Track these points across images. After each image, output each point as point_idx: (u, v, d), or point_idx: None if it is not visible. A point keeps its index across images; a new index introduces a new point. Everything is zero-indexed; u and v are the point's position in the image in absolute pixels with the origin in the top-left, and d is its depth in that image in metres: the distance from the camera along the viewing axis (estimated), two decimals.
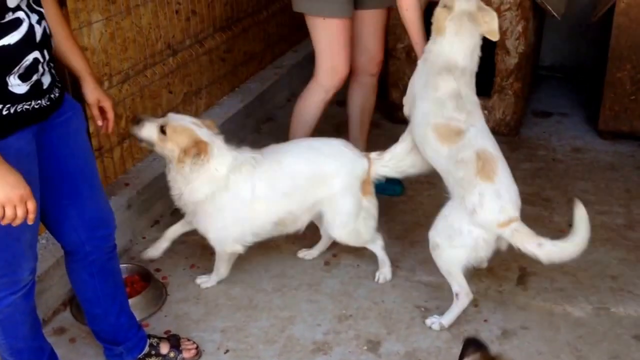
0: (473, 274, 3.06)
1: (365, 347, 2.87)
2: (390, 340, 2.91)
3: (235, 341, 2.90)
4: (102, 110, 2.45)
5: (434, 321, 2.99)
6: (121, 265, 3.13)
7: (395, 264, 3.36)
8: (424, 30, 3.25)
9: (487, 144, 2.88)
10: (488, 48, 4.45)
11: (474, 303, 3.10)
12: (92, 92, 2.41)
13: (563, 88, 5.40)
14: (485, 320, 3.03)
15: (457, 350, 2.79)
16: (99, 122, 2.46)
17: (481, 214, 2.75)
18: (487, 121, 4.52)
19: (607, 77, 4.43)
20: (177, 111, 4.17)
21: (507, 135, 4.61)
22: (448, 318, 2.98)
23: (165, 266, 3.37)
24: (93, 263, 2.50)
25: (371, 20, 3.59)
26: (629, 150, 4.44)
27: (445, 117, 2.90)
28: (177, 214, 3.73)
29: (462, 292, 2.93)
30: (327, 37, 3.49)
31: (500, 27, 4.29)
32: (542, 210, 3.80)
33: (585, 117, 4.86)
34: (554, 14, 4.35)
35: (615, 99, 4.45)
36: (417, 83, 3.08)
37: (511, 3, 4.31)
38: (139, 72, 3.86)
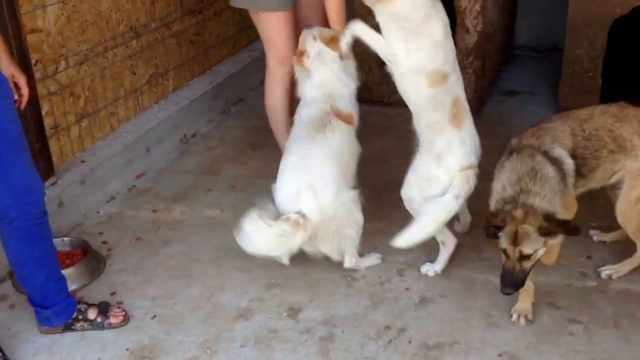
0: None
1: (285, 314, 2.99)
2: (311, 307, 3.03)
3: (164, 308, 3.05)
4: (17, 86, 2.61)
5: (427, 268, 3.22)
6: (64, 239, 3.35)
7: None
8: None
9: (461, 93, 3.16)
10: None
11: (399, 273, 3.20)
12: (6, 68, 2.57)
13: (536, 67, 5.43)
14: (407, 289, 3.12)
15: (372, 316, 2.94)
16: (15, 96, 2.62)
17: (446, 158, 3.01)
18: None
19: (565, 54, 4.47)
20: (142, 92, 4.34)
21: None
22: (440, 264, 3.21)
23: (112, 238, 3.53)
24: (19, 228, 2.66)
25: (312, 5, 3.69)
26: None
27: (440, 62, 3.05)
28: (134, 190, 3.91)
29: (447, 239, 3.19)
30: (272, 30, 3.58)
31: (459, 6, 4.42)
32: (489, 185, 3.85)
33: (551, 95, 4.88)
34: None
35: (574, 76, 4.48)
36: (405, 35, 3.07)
37: None
38: (99, 54, 4.01)
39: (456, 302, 3.03)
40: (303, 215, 2.99)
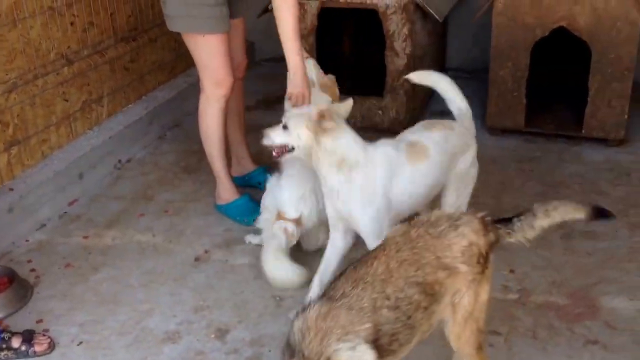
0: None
1: (213, 335, 3.01)
2: (240, 328, 3.05)
3: (91, 334, 3.04)
4: None
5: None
6: None
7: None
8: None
9: None
10: (380, 50, 4.67)
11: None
12: None
13: (466, 88, 5.48)
14: None
15: None
16: None
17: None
18: (382, 120, 4.77)
19: (491, 75, 4.61)
20: (75, 118, 4.34)
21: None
22: None
23: (41, 266, 3.50)
24: None
25: (237, 28, 3.75)
26: (513, 145, 4.61)
27: None
28: (65, 217, 3.89)
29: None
30: (211, 52, 3.58)
31: (388, 30, 4.54)
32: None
33: (481, 115, 5.00)
34: (436, 16, 4.53)
35: (500, 96, 4.62)
36: None
37: (396, 7, 4.48)
38: (29, 81, 4.00)
39: None
40: (299, 224, 3.35)
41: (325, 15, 4.73)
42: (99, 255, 3.60)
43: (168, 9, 3.53)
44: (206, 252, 3.60)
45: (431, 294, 2.21)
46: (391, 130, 4.78)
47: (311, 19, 4.68)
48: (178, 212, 3.98)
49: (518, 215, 2.42)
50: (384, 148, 2.96)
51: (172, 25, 3.63)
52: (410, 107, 4.77)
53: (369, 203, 2.87)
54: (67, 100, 4.30)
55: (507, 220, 2.42)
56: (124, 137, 4.60)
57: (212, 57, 3.59)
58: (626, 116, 4.44)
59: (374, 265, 2.20)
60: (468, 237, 2.28)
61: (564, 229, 3.66)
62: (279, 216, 3.41)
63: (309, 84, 3.35)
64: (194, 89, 5.31)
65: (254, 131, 4.76)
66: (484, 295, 2.34)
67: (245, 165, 4.19)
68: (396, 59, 4.64)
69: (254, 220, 3.80)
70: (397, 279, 2.17)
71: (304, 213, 3.37)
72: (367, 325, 2.07)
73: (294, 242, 3.37)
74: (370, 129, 4.79)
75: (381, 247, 2.28)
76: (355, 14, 5.17)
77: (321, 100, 3.41)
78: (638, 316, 3.02)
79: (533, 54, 4.46)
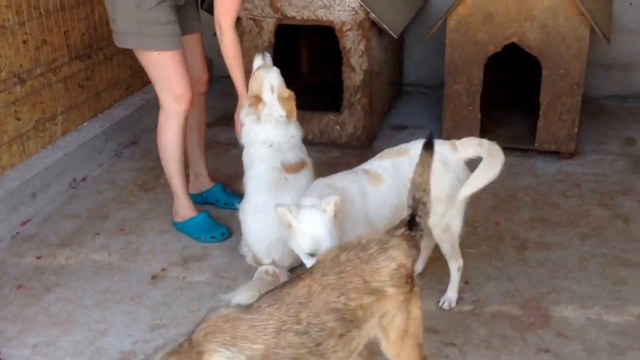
0: (279, 278, 3.23)
1: None
2: None
3: (44, 355, 2.99)
4: None
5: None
6: None
7: (219, 274, 3.51)
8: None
9: None
10: (338, 65, 4.71)
11: None
12: None
13: (424, 103, 5.64)
14: None
15: None
16: None
17: None
18: (340, 136, 4.81)
19: (446, 90, 4.68)
20: (27, 137, 4.28)
21: (359, 148, 4.82)
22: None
23: None
24: None
25: (193, 44, 3.76)
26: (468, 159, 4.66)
27: None
28: (18, 238, 3.83)
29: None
30: (168, 69, 3.58)
31: (344, 47, 4.58)
32: None
33: (437, 129, 5.07)
34: (391, 32, 4.58)
35: (455, 111, 4.69)
36: None
37: (352, 24, 4.53)
38: None
39: None
40: (276, 266, 3.41)
41: (282, 32, 4.76)
42: (52, 275, 3.55)
43: (119, 25, 3.52)
44: (163, 269, 3.58)
45: (351, 320, 2.16)
46: (349, 145, 4.84)
47: (268, 35, 4.71)
48: (134, 230, 3.94)
49: (413, 211, 2.39)
50: (347, 176, 3.08)
51: (124, 42, 3.61)
52: (368, 122, 4.81)
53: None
54: (19, 119, 4.25)
55: (412, 223, 2.40)
56: (79, 155, 4.55)
57: (170, 73, 3.59)
58: (576, 129, 4.54)
59: (297, 286, 2.16)
60: (397, 259, 2.27)
61: (518, 240, 3.73)
62: (255, 259, 3.47)
63: None
64: (151, 106, 5.31)
65: (213, 148, 4.82)
66: (416, 311, 2.34)
67: (204, 182, 4.18)
68: (353, 74, 4.68)
69: (211, 237, 3.81)
70: (315, 304, 2.12)
71: (275, 258, 3.42)
72: (258, 346, 2.02)
73: (283, 279, 3.34)
74: (328, 145, 4.85)
75: (310, 270, 2.25)
76: (312, 30, 5.22)
77: (277, 109, 3.44)
78: (588, 324, 3.08)
79: (487, 69, 4.54)
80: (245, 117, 3.52)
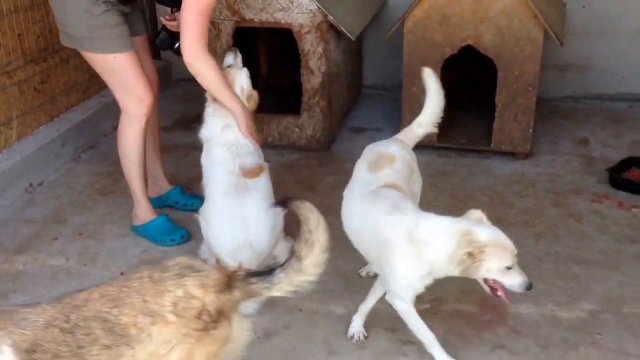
0: None
1: None
2: None
3: None
4: None
5: None
6: None
7: None
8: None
9: None
10: (297, 68, 4.73)
11: None
12: None
13: (382, 105, 5.69)
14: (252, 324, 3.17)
15: None
16: None
17: None
18: (299, 138, 4.82)
19: (404, 92, 4.73)
20: None
21: (318, 150, 4.85)
22: None
23: None
24: None
25: (140, 45, 3.75)
26: (426, 160, 4.70)
27: None
28: None
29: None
30: (124, 72, 3.58)
31: (303, 49, 4.60)
32: (334, 219, 3.97)
33: (396, 131, 5.09)
34: (348, 35, 4.62)
35: (413, 112, 4.66)
36: None
37: (310, 26, 4.56)
38: None
39: (299, 332, 3.12)
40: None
41: (241, 35, 4.77)
42: (9, 281, 3.51)
43: (70, 29, 3.52)
44: (122, 274, 3.52)
45: (121, 335, 2.11)
46: (308, 147, 4.87)
47: (226, 38, 4.71)
48: (93, 235, 3.92)
49: (284, 263, 2.31)
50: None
51: (76, 45, 3.60)
52: (327, 125, 4.84)
53: None
54: None
55: (270, 272, 2.31)
56: (35, 159, 4.50)
57: (129, 75, 3.59)
58: (531, 130, 4.62)
59: (84, 291, 2.19)
60: (188, 289, 2.18)
61: None
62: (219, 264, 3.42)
63: (251, 126, 3.46)
64: (109, 110, 5.28)
65: (172, 151, 4.80)
66: (203, 357, 2.18)
67: (162, 185, 4.16)
68: (312, 77, 4.71)
69: (171, 240, 3.80)
70: (89, 309, 2.13)
71: (242, 261, 3.31)
72: (27, 333, 2.05)
73: None
74: (288, 147, 4.86)
75: (111, 280, 2.27)
76: (271, 33, 5.23)
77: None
78: (541, 321, 3.15)
79: (444, 70, 4.59)
80: (209, 117, 3.54)
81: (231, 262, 3.37)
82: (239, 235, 3.32)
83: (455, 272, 2.64)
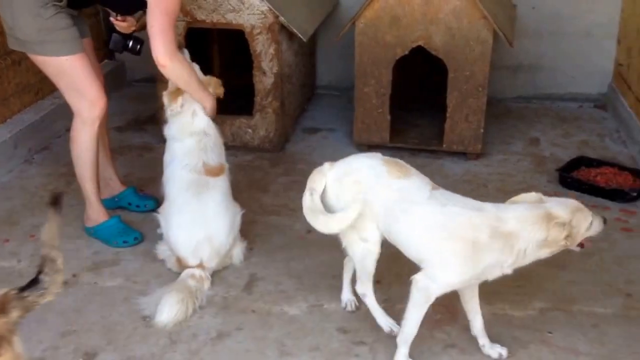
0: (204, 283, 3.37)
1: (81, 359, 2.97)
2: (108, 350, 3.04)
3: None
4: None
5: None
6: None
7: (132, 279, 3.50)
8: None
9: None
10: (249, 69, 4.73)
11: (198, 309, 3.28)
12: None
13: (336, 105, 5.72)
14: (206, 325, 3.19)
15: (170, 355, 2.98)
16: None
17: None
18: (252, 139, 4.83)
19: (356, 93, 4.77)
20: None
21: (271, 151, 4.87)
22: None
23: None
24: None
25: (88, 47, 3.73)
26: None
27: None
28: None
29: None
30: (76, 74, 3.56)
31: (254, 50, 4.61)
32: (286, 220, 4.02)
33: (349, 131, 5.16)
34: (300, 35, 4.65)
35: (365, 113, 4.79)
36: None
37: (261, 27, 4.57)
38: None
39: (252, 334, 3.14)
40: (203, 267, 3.39)
41: (193, 35, 4.76)
42: None
43: (21, 33, 3.49)
44: (74, 275, 3.54)
45: None
46: (262, 148, 4.88)
47: (178, 38, 4.68)
48: None
49: (40, 268, 2.19)
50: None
51: (25, 49, 3.58)
52: (280, 125, 4.87)
53: None
54: None
55: (33, 282, 2.18)
56: None
57: (81, 77, 3.58)
58: (482, 130, 4.71)
59: None
60: None
61: None
62: (179, 262, 3.45)
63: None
64: (62, 111, 5.21)
65: (125, 152, 4.78)
66: None
67: (114, 187, 4.14)
68: (264, 78, 4.72)
69: (124, 242, 3.79)
70: None
71: (203, 259, 3.42)
72: None
73: (208, 285, 3.40)
74: (240, 148, 4.87)
75: None
76: (223, 34, 5.23)
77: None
78: (493, 319, 3.21)
79: (396, 71, 4.66)
80: (169, 116, 3.60)
81: (192, 260, 3.39)
82: (199, 232, 3.38)
83: (545, 254, 2.79)
